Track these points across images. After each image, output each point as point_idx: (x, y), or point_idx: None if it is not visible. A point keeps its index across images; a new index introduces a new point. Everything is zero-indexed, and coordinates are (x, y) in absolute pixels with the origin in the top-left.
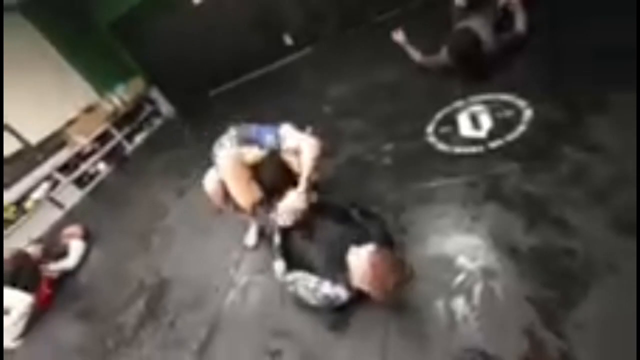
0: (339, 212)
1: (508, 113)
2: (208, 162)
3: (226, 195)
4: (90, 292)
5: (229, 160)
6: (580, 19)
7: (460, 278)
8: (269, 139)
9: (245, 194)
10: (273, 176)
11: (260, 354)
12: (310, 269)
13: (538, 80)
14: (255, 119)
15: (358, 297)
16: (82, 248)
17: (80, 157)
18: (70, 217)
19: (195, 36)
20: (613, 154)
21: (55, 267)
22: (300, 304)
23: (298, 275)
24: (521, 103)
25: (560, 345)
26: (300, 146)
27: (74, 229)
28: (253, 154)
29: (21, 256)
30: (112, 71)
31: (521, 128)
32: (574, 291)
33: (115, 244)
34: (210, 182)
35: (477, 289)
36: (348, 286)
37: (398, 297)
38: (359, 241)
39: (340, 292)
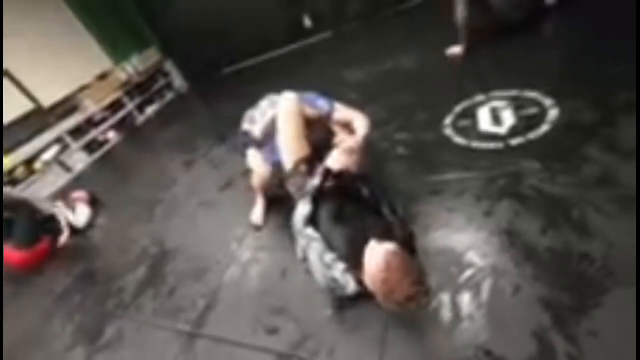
0: (370, 202)
1: (532, 110)
2: (219, 136)
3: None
4: (93, 256)
5: (294, 104)
6: (621, 17)
7: (468, 273)
8: (322, 104)
9: (297, 143)
10: (321, 140)
11: (257, 329)
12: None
13: (567, 78)
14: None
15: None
16: (89, 212)
17: (91, 123)
18: (78, 182)
19: (214, 12)
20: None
21: (71, 219)
22: (301, 280)
23: (317, 237)
24: (547, 101)
25: (570, 350)
26: (352, 119)
27: (82, 194)
28: (311, 110)
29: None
30: (128, 40)
31: (545, 127)
32: (590, 298)
33: (121, 211)
34: (262, 169)
35: (486, 286)
36: (359, 280)
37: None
38: (382, 237)
39: (350, 283)
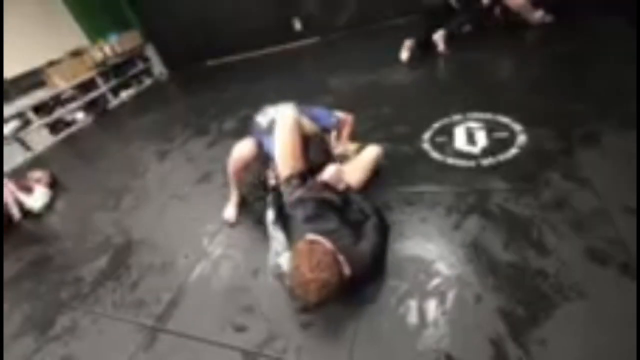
0: (346, 210)
1: (503, 134)
2: (196, 130)
3: (246, 167)
4: (49, 241)
5: (293, 116)
6: (590, 56)
7: (435, 282)
8: (328, 119)
9: (292, 158)
10: (317, 156)
11: (225, 326)
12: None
13: (536, 109)
14: (252, 96)
15: None
16: (48, 195)
17: (58, 101)
18: (38, 162)
19: (204, 2)
20: (597, 189)
21: (23, 199)
22: (272, 284)
23: (279, 237)
24: (517, 127)
25: (521, 356)
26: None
27: (41, 174)
28: (310, 126)
29: None
30: (107, 18)
31: (514, 150)
32: (542, 310)
33: (84, 197)
34: (247, 144)
35: (451, 294)
36: None
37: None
38: (327, 235)
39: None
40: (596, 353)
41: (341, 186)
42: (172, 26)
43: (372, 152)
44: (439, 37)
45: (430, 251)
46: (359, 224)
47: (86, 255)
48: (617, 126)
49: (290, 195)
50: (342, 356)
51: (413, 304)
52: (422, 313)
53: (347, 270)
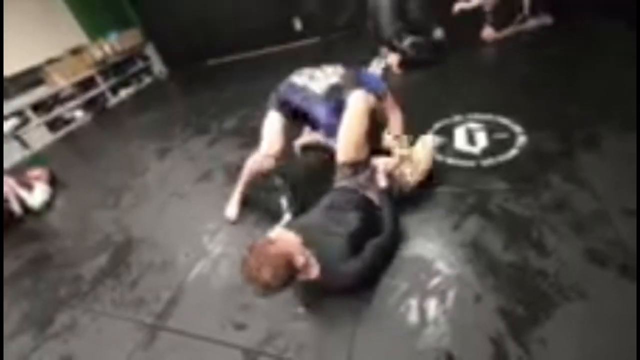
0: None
1: (503, 135)
2: (196, 128)
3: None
4: (49, 239)
5: (365, 103)
6: (589, 58)
7: (435, 281)
8: (379, 84)
9: (354, 146)
10: (373, 149)
11: (225, 324)
12: None
13: (537, 110)
14: (251, 95)
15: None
16: (48, 192)
17: (57, 99)
18: (36, 161)
19: (205, 2)
20: (596, 191)
21: (24, 196)
22: None
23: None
24: (517, 128)
25: (521, 355)
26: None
27: (40, 172)
28: (381, 113)
29: None
30: (108, 17)
31: (514, 152)
32: (542, 309)
33: (84, 195)
34: (269, 159)
35: (451, 294)
36: None
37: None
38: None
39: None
40: (595, 353)
41: (383, 184)
42: (173, 25)
43: (427, 147)
44: (393, 59)
45: (432, 251)
46: (372, 234)
47: (86, 253)
48: (617, 128)
49: (338, 181)
50: (342, 355)
51: (413, 303)
52: (422, 312)
53: (314, 274)
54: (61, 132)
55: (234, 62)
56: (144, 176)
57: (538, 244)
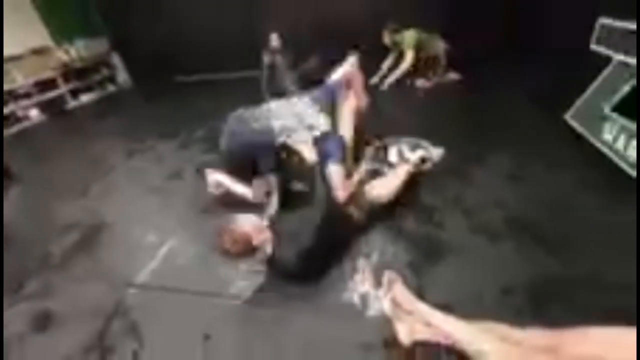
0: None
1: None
2: (164, 134)
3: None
4: (10, 224)
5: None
6: (484, 103)
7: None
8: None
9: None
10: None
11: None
12: None
13: (449, 134)
14: (217, 114)
15: None
16: None
17: (12, 95)
18: None
19: (178, 17)
20: (480, 187)
21: None
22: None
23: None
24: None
25: (418, 282)
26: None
27: None
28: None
29: None
30: (75, 23)
31: (429, 164)
32: (434, 258)
33: (40, 189)
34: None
35: (375, 257)
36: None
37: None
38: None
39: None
40: (465, 288)
41: (340, 194)
42: (144, 39)
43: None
44: None
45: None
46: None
47: (53, 236)
48: (497, 150)
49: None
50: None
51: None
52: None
53: (268, 249)
54: (13, 129)
55: (201, 82)
56: (111, 173)
57: (439, 223)
